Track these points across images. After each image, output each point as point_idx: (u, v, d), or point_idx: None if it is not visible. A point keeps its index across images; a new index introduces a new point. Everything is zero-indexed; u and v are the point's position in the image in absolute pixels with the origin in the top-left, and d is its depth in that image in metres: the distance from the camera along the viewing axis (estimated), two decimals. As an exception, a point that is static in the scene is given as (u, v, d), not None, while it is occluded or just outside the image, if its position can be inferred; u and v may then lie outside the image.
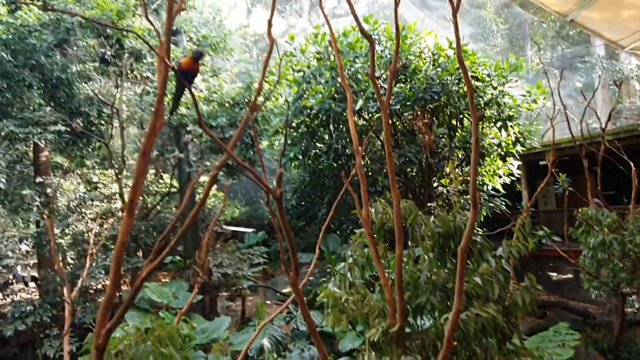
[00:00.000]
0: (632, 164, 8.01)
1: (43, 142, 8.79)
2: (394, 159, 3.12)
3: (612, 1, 9.42)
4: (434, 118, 10.99)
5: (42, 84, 8.74)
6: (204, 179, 11.67)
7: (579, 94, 19.21)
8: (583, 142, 8.90)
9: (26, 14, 7.99)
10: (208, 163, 11.28)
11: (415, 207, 2.88)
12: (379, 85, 10.20)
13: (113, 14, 7.85)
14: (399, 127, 11.22)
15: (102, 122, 10.34)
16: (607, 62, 19.35)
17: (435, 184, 11.10)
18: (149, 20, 2.11)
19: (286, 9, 29.98)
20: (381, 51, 10.48)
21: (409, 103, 10.12)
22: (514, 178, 12.02)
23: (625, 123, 16.54)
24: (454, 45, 10.42)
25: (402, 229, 2.67)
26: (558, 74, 22.91)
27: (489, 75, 10.79)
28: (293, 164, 12.46)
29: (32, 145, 9.80)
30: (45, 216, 8.00)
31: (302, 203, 15.26)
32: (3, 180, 7.82)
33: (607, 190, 12.61)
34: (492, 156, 11.55)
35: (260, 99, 10.80)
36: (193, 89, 2.33)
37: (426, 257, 2.80)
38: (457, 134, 11.22)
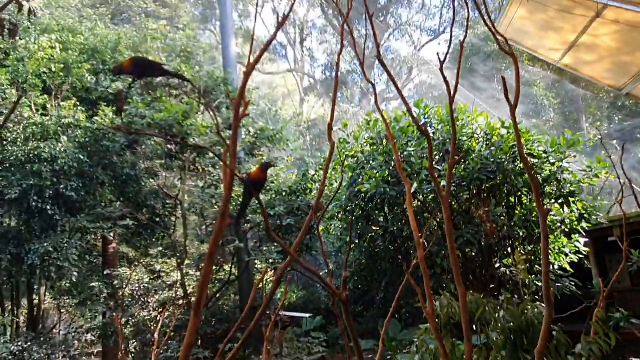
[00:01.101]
0: None
1: (112, 235, 9.24)
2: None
3: (669, 73, 9.30)
4: (492, 197, 10.82)
5: (113, 181, 9.34)
6: (262, 265, 11.78)
7: (642, 165, 18.55)
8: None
9: (102, 119, 8.78)
10: (265, 248, 11.44)
11: (482, 300, 2.80)
12: (435, 167, 10.27)
13: (179, 115, 8.47)
14: (456, 207, 11.08)
15: (166, 213, 10.81)
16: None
17: (497, 265, 10.71)
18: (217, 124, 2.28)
19: (338, 97, 31.24)
20: (433, 133, 10.61)
21: (464, 183, 10.06)
22: (581, 256, 11.43)
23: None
24: (507, 124, 10.50)
25: (470, 323, 2.59)
26: (618, 145, 22.29)
27: (545, 152, 10.62)
28: (349, 249, 12.38)
29: (101, 238, 10.30)
30: (111, 308, 8.25)
31: (359, 287, 14.98)
32: (75, 273, 8.19)
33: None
34: (556, 234, 11.10)
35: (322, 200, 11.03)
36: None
37: (498, 356, 2.67)
38: (516, 212, 10.94)
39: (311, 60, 36.92)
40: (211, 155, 9.73)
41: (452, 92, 2.64)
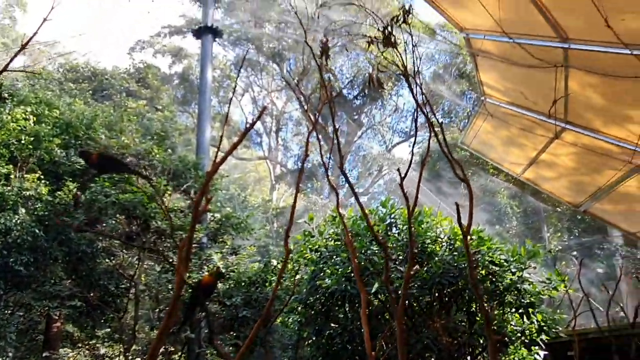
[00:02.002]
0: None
1: (57, 313, 8.76)
2: (410, 343, 3.00)
3: (625, 195, 9.75)
4: (453, 302, 10.77)
5: (67, 257, 9.02)
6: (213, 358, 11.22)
7: (600, 281, 18.89)
8: (611, 333, 8.54)
9: (65, 194, 8.64)
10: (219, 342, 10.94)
11: None
12: (396, 268, 10.27)
13: (144, 197, 8.41)
14: (417, 310, 10.96)
15: (119, 293, 10.38)
16: (628, 250, 19.32)
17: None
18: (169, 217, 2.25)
19: (308, 188, 31.68)
20: (398, 233, 10.71)
21: (425, 287, 10.01)
22: (542, 369, 11.25)
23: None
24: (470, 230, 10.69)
25: None
26: (577, 258, 22.84)
27: (506, 261, 10.76)
28: (306, 344, 11.98)
29: (45, 316, 9.75)
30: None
31: (316, 387, 14.29)
32: (10, 353, 7.64)
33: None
34: (515, 345, 10.98)
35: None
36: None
37: None
38: (477, 319, 10.86)
39: (285, 149, 37.81)
40: (172, 240, 9.57)
41: (411, 207, 2.71)
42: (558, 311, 11.86)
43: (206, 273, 8.95)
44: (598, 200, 10.20)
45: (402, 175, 2.63)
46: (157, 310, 10.91)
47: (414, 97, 2.66)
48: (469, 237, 10.86)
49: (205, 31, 18.81)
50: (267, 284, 11.43)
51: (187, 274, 9.30)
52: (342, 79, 30.50)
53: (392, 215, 10.98)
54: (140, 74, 21.58)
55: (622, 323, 10.30)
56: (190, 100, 34.26)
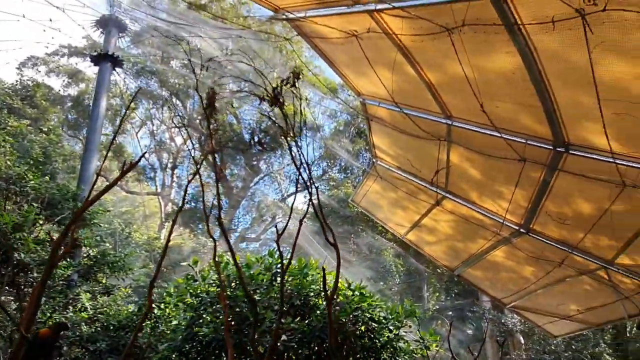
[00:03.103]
0: None
1: None
2: None
3: (493, 264, 10.55)
4: (332, 357, 10.80)
5: None
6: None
7: (469, 342, 20.07)
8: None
9: None
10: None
11: None
12: (279, 321, 10.15)
13: (8, 226, 7.66)
14: (295, 363, 10.85)
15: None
16: (494, 314, 20.77)
17: None
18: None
19: (198, 229, 30.81)
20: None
21: (305, 340, 9.98)
22: None
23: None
24: (352, 286, 10.96)
25: None
26: (451, 319, 24.11)
27: (385, 318, 11.07)
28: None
29: None
30: None
31: None
32: None
33: None
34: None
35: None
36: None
37: None
38: (353, 375, 10.96)
39: (178, 187, 36.68)
40: (35, 274, 8.73)
41: (285, 266, 2.72)
42: (421, 369, 12.34)
43: (71, 314, 8.23)
44: (470, 266, 10.95)
45: (280, 232, 2.64)
46: (10, 350, 9.79)
47: (292, 158, 2.74)
48: (352, 293, 11.14)
49: (104, 58, 18.13)
50: (142, 329, 10.75)
51: (49, 314, 8.51)
52: (244, 123, 30.68)
53: (278, 265, 10.96)
54: (27, 91, 20.09)
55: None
56: (82, 125, 32.41)
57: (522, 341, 20.50)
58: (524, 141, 6.76)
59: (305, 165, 2.95)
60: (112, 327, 9.94)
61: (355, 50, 6.54)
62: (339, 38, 6.28)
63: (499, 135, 6.40)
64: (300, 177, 2.90)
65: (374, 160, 9.73)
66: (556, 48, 4.83)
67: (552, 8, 4.18)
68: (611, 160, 5.87)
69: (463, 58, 5.46)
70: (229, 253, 11.59)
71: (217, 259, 10.90)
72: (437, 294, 29.88)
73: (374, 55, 6.57)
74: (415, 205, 9.94)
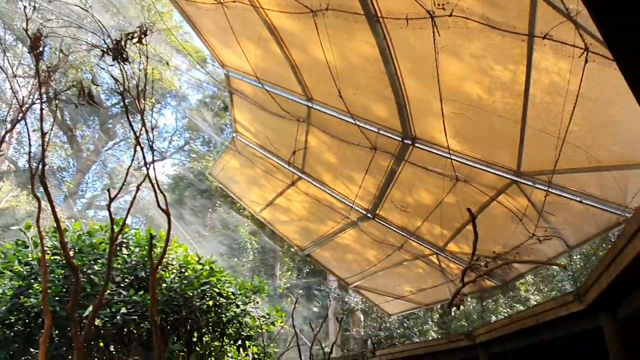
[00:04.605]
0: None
1: None
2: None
3: (340, 245, 11.06)
4: (174, 331, 10.59)
5: None
6: None
7: (316, 319, 21.01)
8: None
9: None
10: None
11: None
12: (120, 293, 9.69)
13: None
14: (135, 337, 10.44)
15: None
16: (339, 293, 21.93)
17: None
18: None
19: (41, 193, 27.91)
20: (128, 255, 10.16)
21: (147, 313, 9.63)
22: (248, 402, 11.74)
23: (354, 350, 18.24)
24: (203, 260, 10.81)
25: None
26: (300, 297, 24.98)
27: (234, 294, 11.10)
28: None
29: None
30: None
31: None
32: None
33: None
34: (229, 377, 11.29)
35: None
36: None
37: None
38: (195, 349, 10.87)
39: (18, 144, 32.91)
40: None
41: (117, 233, 2.56)
42: (272, 345, 12.67)
43: None
44: (320, 247, 11.39)
45: (111, 197, 2.48)
46: None
47: (129, 124, 2.56)
48: (201, 267, 10.98)
49: None
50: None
51: None
52: (102, 82, 28.33)
53: (125, 235, 10.40)
54: None
55: (319, 358, 11.48)
56: None
57: (362, 319, 21.98)
58: (377, 131, 7.15)
59: (151, 132, 2.79)
60: None
61: (223, 20, 6.36)
62: (205, 3, 6.05)
63: (354, 122, 6.68)
64: (150, 143, 2.73)
65: (234, 135, 9.62)
66: (409, 45, 5.14)
67: (408, 7, 4.43)
68: (448, 156, 6.44)
69: (326, 43, 5.58)
70: (73, 220, 10.74)
71: (40, 223, 10.00)
72: (289, 273, 30.68)
73: (240, 28, 6.44)
74: (271, 184, 10.03)
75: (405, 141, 7.07)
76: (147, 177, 2.39)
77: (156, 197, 2.23)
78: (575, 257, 17.68)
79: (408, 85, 5.94)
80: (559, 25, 3.69)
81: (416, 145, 7.04)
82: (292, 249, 25.57)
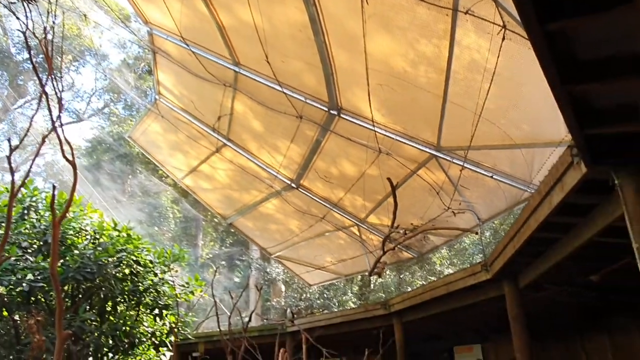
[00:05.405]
0: (263, 362, 8.70)
1: None
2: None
3: (263, 215, 11.03)
4: (86, 299, 10.20)
5: None
6: None
7: (237, 288, 20.98)
8: (230, 336, 9.40)
9: None
10: None
11: None
12: (27, 259, 9.17)
13: None
14: (44, 305, 9.96)
15: None
16: (261, 264, 21.99)
17: (73, 376, 9.80)
18: None
19: None
20: (37, 220, 9.60)
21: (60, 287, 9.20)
22: (166, 369, 11.63)
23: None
24: (119, 226, 10.42)
25: None
26: (223, 267, 24.83)
27: (152, 262, 10.82)
28: None
29: None
30: None
31: None
32: None
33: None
34: (145, 345, 11.08)
35: None
36: None
37: None
38: (109, 318, 10.54)
39: None
40: None
41: (15, 192, 2.37)
42: (190, 314, 12.55)
43: None
44: (243, 216, 11.30)
45: (12, 148, 2.29)
46: None
47: (37, 76, 2.36)
48: (117, 233, 10.58)
49: None
50: None
51: None
52: (12, 35, 26.10)
53: (34, 198, 9.80)
54: None
55: (238, 328, 11.54)
56: None
57: (283, 289, 22.20)
58: (304, 100, 7.12)
59: (60, 81, 2.58)
60: None
61: (146, -29, 6.02)
62: (127, -47, 5.68)
63: (281, 90, 6.60)
64: (59, 92, 2.53)
65: (157, 97, 9.24)
66: (338, 13, 5.12)
67: (339, -28, 4.39)
68: (372, 128, 6.54)
69: (255, 5, 5.43)
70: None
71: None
72: (212, 243, 30.31)
73: (164, -18, 6.13)
74: (195, 150, 9.78)
75: (332, 111, 7.09)
76: (53, 129, 2.23)
77: (61, 146, 2.08)
78: (486, 233, 18.78)
79: (336, 54, 5.93)
80: (481, 1, 3.80)
81: (342, 116, 7.09)
82: (216, 219, 25.25)
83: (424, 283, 21.21)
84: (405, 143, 6.88)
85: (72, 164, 2.06)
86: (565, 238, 5.00)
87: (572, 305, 8.93)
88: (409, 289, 20.64)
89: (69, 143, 2.19)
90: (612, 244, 4.60)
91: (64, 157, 2.00)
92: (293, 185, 9.42)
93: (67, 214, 9.93)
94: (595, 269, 6.16)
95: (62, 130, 2.09)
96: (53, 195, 2.12)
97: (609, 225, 3.94)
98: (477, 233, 7.74)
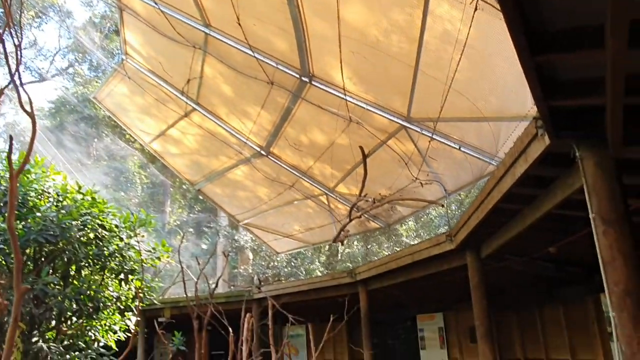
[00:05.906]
0: (230, 329, 8.75)
1: None
2: None
3: (232, 182, 10.95)
4: (49, 263, 10.03)
5: None
6: None
7: (204, 255, 20.96)
8: (197, 302, 9.39)
9: None
10: None
11: None
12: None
13: None
14: (5, 268, 9.76)
15: None
16: (229, 231, 21.96)
17: (35, 339, 9.69)
18: None
19: None
20: (-4, 181, 9.32)
21: (18, 242, 9.00)
22: (129, 334, 11.59)
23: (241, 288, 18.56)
24: (84, 190, 10.20)
25: None
26: (191, 233, 24.70)
27: (117, 226, 10.67)
28: None
29: None
30: None
31: None
32: None
33: (216, 350, 13.14)
34: (109, 310, 11.00)
35: None
36: None
37: None
38: (73, 282, 10.41)
39: None
40: None
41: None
42: (156, 280, 12.50)
43: None
44: (211, 182, 11.21)
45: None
46: None
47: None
48: (82, 196, 10.37)
49: None
50: None
51: None
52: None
53: (-8, 160, 9.48)
54: None
55: (205, 294, 11.57)
56: None
57: (251, 257, 22.31)
58: (275, 65, 7.01)
59: (19, 39, 2.46)
60: None
61: None
62: None
63: (252, 54, 6.48)
64: (18, 42, 2.41)
65: (124, 57, 8.96)
66: (312, -24, 5.01)
67: None
68: (343, 96, 6.51)
69: (227, -37, 5.27)
70: None
71: None
72: (180, 210, 30.05)
73: None
74: (163, 114, 9.57)
75: (303, 78, 7.02)
76: (11, 82, 2.13)
77: (18, 95, 2.00)
78: (452, 205, 19.14)
79: (309, 20, 5.84)
80: (455, -31, 3.77)
81: (313, 83, 7.03)
82: (184, 186, 24.98)
83: (390, 254, 21.62)
84: (376, 113, 6.88)
85: (31, 115, 1.98)
86: (526, 209, 5.14)
87: (531, 276, 9.25)
88: (376, 259, 21.04)
89: (27, 93, 2.10)
90: (569, 217, 4.75)
91: (22, 107, 1.93)
92: (262, 152, 9.36)
93: (29, 176, 9.68)
94: (553, 241, 6.38)
95: (21, 80, 2.00)
96: (10, 147, 2.05)
97: (568, 197, 4.06)
98: (443, 205, 7.89)
